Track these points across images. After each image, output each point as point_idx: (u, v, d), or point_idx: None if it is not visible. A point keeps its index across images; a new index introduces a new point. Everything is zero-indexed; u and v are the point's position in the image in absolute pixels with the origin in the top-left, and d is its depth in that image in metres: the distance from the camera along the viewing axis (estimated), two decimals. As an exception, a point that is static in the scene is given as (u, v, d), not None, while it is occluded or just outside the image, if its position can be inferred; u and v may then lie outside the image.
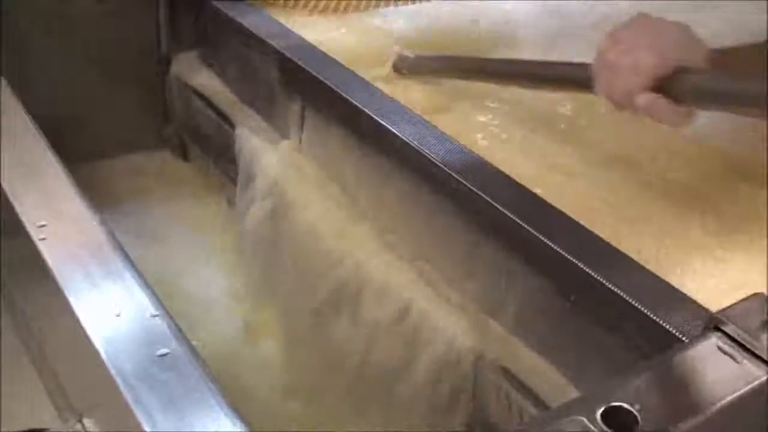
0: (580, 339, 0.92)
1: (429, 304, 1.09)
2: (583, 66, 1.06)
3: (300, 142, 1.36)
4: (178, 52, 1.67)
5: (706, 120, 1.10)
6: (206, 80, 1.60)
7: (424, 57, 1.40)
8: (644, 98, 0.96)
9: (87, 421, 0.81)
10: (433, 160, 1.05)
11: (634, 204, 1.06)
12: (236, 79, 1.54)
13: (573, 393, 0.92)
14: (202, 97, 1.61)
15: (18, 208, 0.80)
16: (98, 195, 1.55)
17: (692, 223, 1.03)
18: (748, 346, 0.70)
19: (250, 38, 1.41)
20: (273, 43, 1.35)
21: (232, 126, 1.51)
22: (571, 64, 1.13)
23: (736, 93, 0.95)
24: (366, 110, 1.17)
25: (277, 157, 1.36)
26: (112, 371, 0.64)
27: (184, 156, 1.77)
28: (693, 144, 1.18)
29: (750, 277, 0.92)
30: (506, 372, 1.01)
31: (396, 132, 1.11)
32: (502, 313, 1.03)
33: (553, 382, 0.94)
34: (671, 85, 0.96)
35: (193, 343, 0.68)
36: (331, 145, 1.28)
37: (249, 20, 1.44)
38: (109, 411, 0.72)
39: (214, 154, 1.64)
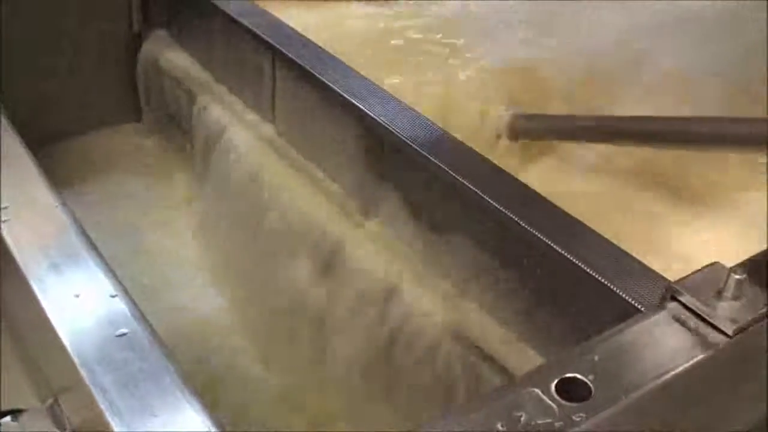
0: (541, 309, 0.94)
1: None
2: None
3: (273, 119, 1.36)
4: (149, 30, 1.67)
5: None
6: (177, 58, 1.60)
7: (545, 117, 1.23)
8: None
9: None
10: (400, 136, 1.06)
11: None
12: (208, 58, 1.54)
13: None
14: (172, 75, 1.61)
15: (-21, 192, 0.80)
16: (73, 170, 1.60)
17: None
18: (703, 315, 0.71)
19: (222, 17, 1.40)
20: (245, 22, 1.34)
21: (204, 104, 1.51)
22: (746, 120, 1.01)
23: None
24: (336, 88, 1.17)
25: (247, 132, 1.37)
26: (71, 352, 0.65)
27: (159, 130, 1.77)
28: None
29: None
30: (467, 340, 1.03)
31: (365, 109, 1.12)
32: (462, 280, 1.05)
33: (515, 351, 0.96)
34: None
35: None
36: (303, 122, 1.28)
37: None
38: (73, 392, 0.72)
39: (188, 130, 1.64)
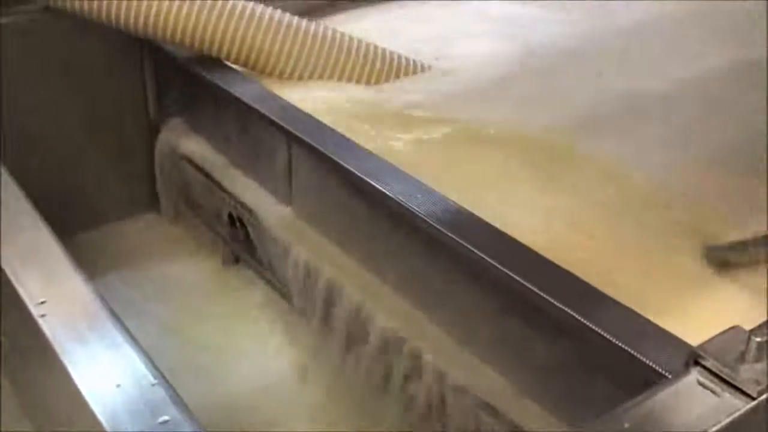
0: (567, 378, 0.95)
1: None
2: None
3: (290, 203, 1.40)
4: (165, 118, 1.71)
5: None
6: (194, 145, 1.64)
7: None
8: None
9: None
10: (418, 214, 1.09)
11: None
12: (224, 143, 1.57)
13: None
14: (191, 161, 1.65)
15: (17, 286, 0.82)
16: (95, 262, 1.62)
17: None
18: (727, 378, 0.73)
19: (236, 104, 1.44)
20: (257, 107, 1.38)
21: (222, 188, 1.55)
22: None
23: None
24: (354, 170, 1.20)
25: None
26: (116, 441, 0.67)
27: (176, 219, 1.80)
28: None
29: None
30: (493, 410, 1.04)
31: (383, 189, 1.14)
32: (488, 353, 1.06)
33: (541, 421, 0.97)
34: None
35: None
36: (322, 204, 1.32)
37: (234, 86, 1.47)
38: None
39: (206, 216, 1.68)
